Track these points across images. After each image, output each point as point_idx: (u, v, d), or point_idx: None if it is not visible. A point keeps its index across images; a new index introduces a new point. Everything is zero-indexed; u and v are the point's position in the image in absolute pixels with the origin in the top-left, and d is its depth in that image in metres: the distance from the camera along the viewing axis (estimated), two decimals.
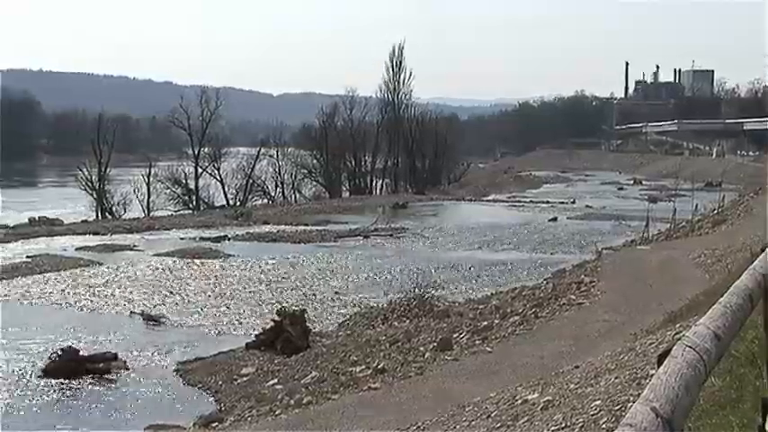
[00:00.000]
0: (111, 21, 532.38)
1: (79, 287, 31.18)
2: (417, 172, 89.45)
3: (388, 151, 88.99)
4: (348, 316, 25.40)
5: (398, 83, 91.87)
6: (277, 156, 79.05)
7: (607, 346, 12.66)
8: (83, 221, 56.45)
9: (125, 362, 20.52)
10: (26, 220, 54.71)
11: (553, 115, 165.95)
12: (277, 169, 78.87)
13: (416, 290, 25.40)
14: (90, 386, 19.12)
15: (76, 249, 41.45)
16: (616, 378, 9.13)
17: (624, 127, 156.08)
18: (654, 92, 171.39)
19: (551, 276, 26.38)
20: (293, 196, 78.95)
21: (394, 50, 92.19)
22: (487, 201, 74.62)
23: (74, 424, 16.74)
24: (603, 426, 7.18)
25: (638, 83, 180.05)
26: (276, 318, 21.80)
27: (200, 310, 27.41)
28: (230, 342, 22.55)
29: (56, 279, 32.84)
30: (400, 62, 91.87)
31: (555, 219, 55.09)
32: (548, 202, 68.90)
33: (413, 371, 14.81)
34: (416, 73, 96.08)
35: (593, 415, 7.68)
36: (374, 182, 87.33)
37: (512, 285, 27.26)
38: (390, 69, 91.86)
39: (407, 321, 21.53)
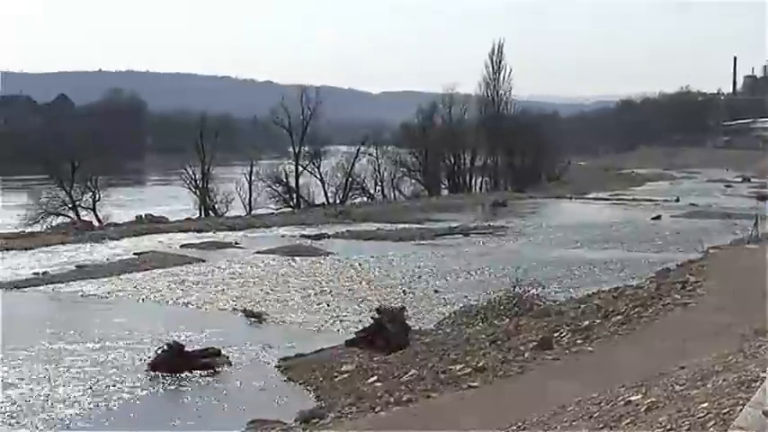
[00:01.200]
0: (213, 23, 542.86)
1: (183, 284, 31.88)
2: (517, 170, 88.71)
3: (487, 149, 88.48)
4: (447, 314, 25.33)
5: (498, 80, 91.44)
6: (377, 154, 79.37)
7: (714, 348, 12.34)
8: (187, 219, 57.66)
9: (228, 357, 20.88)
10: (134, 218, 56.29)
11: (657, 112, 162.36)
12: (376, 167, 79.18)
13: (516, 288, 25.20)
14: (194, 381, 19.51)
15: (181, 247, 42.39)
16: (724, 380, 8.89)
17: (732, 123, 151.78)
18: (764, 87, 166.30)
19: (655, 276, 25.82)
20: (392, 194, 79.15)
21: (494, 48, 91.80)
22: (589, 199, 73.51)
23: (179, 417, 17.11)
24: (711, 429, 6.99)
25: (746, 78, 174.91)
26: (376, 315, 21.88)
27: (300, 307, 27.72)
28: (330, 339, 22.73)
29: (161, 276, 33.62)
30: (500, 60, 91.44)
31: (658, 217, 53.98)
32: (651, 200, 67.56)
33: (513, 370, 14.69)
34: (516, 71, 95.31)
35: (699, 418, 7.48)
36: (473, 180, 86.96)
37: (614, 284, 26.79)
38: (490, 67, 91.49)
39: (507, 320, 21.36)
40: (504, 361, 15.64)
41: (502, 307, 23.65)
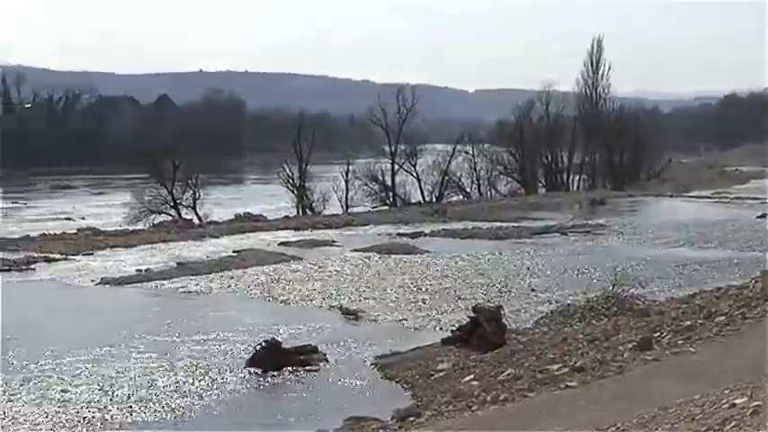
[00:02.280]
0: (310, 23, 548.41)
1: (281, 281, 32.27)
2: (615, 167, 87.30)
3: (585, 147, 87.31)
4: (544, 313, 25.05)
5: (597, 77, 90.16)
6: (473, 152, 79.05)
7: None
8: (284, 218, 58.38)
9: (324, 354, 21.04)
10: (233, 216, 57.27)
11: (763, 108, 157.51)
12: (473, 166, 78.89)
13: (614, 288, 24.77)
14: (291, 377, 19.72)
15: (279, 245, 42.93)
16: None
17: None
18: None
19: (760, 275, 25.06)
20: (489, 193, 78.75)
21: (593, 45, 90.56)
22: (690, 197, 71.88)
23: (277, 414, 17.33)
24: None
25: None
26: (472, 314, 21.78)
27: (396, 305, 27.77)
28: (426, 337, 22.71)
29: (259, 273, 34.10)
30: (599, 56, 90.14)
31: (764, 215, 52.44)
32: (756, 198, 65.63)
33: (612, 370, 14.44)
34: (615, 67, 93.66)
35: None
36: (571, 178, 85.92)
37: (716, 284, 26.10)
38: (589, 64, 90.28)
39: (605, 320, 21.01)
40: (602, 361, 15.39)
41: (600, 306, 23.25)
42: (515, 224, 50.72)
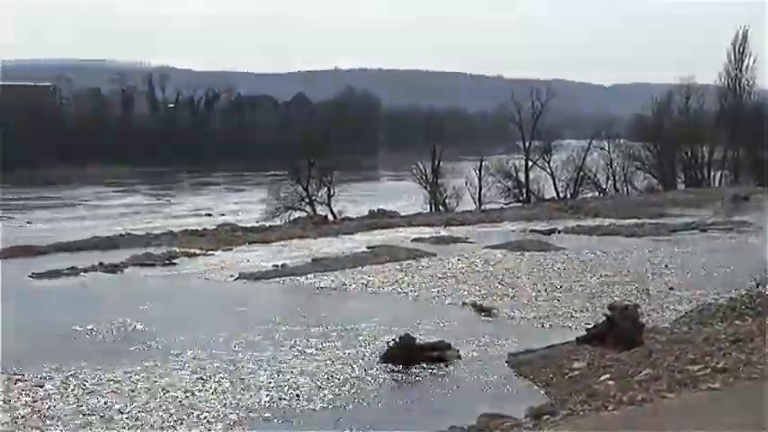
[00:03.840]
0: (443, 20, 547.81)
1: (414, 277, 32.36)
2: (760, 162, 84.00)
3: (727, 141, 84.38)
4: (683, 312, 24.36)
5: (741, 70, 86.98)
6: (608, 148, 77.55)
7: None
8: (417, 214, 58.63)
9: (458, 351, 20.99)
10: (367, 213, 57.90)
11: None
12: (608, 161, 77.40)
13: (760, 287, 23.85)
14: (425, 373, 19.75)
15: (412, 241, 43.07)
16: None
17: None
18: None
19: None
20: (625, 189, 77.13)
21: (737, 36, 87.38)
22: None
23: (411, 409, 17.38)
24: None
25: None
26: (607, 312, 21.35)
27: (530, 302, 27.48)
28: (560, 335, 22.39)
29: (393, 269, 34.29)
30: (743, 48, 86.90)
31: None
32: None
33: (756, 372, 13.87)
34: (761, 60, 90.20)
35: None
36: (712, 174, 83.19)
37: None
38: (732, 56, 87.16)
39: (750, 320, 20.24)
40: (746, 363, 14.80)
41: (743, 306, 22.45)
42: (653, 221, 49.43)
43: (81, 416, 16.52)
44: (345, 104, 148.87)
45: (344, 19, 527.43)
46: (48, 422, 16.25)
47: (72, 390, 18.26)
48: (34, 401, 17.39)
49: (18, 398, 17.67)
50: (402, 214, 57.24)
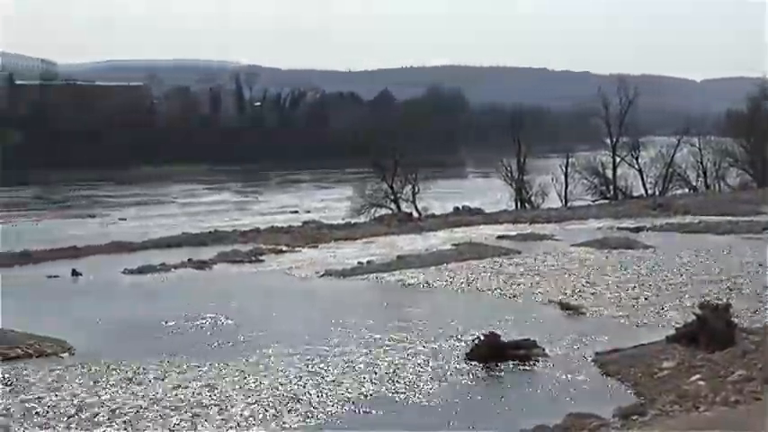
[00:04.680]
0: (529, 16, 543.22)
1: (499, 275, 32.14)
2: None
3: None
4: None
5: None
6: (699, 144, 75.88)
7: None
8: (503, 211, 58.28)
9: (544, 349, 20.78)
10: (452, 210, 57.78)
11: None
12: (699, 158, 75.74)
13: None
14: (510, 371, 19.60)
15: (497, 238, 42.81)
16: None
17: None
18: None
19: None
20: (716, 186, 75.35)
21: None
22: None
23: (496, 407, 17.27)
24: None
25: None
26: (698, 311, 20.88)
27: (617, 300, 27.04)
28: (649, 334, 21.98)
29: (478, 266, 34.10)
30: None
31: None
32: None
33: None
34: None
35: None
36: None
37: None
38: None
39: None
40: None
41: None
42: (746, 218, 48.15)
43: (173, 409, 16.79)
44: (430, 102, 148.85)
45: (430, 16, 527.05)
46: (145, 413, 16.54)
47: (168, 383, 18.55)
48: (132, 394, 17.71)
49: (116, 390, 18.01)
50: (487, 211, 56.97)
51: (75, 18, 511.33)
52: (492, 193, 68.56)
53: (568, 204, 65.00)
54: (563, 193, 68.28)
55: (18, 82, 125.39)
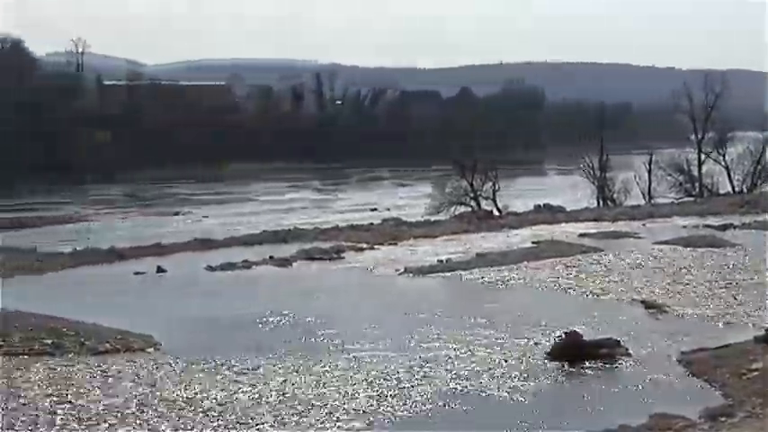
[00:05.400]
0: (609, 10, 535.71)
1: (581, 273, 31.78)
2: None
3: None
4: None
5: None
6: None
7: None
8: (584, 209, 57.56)
9: (627, 349, 20.49)
10: (532, 208, 57.29)
11: None
12: None
13: None
14: (592, 370, 19.37)
15: (578, 236, 42.34)
16: None
17: None
18: None
19: None
20: None
21: None
22: None
23: (576, 406, 17.08)
24: None
25: None
26: None
27: (703, 299, 26.53)
28: (736, 334, 21.54)
29: (558, 264, 33.76)
30: None
31: None
32: None
33: None
34: None
35: None
36: None
37: None
38: None
39: None
40: None
41: None
42: None
43: (279, 402, 16.95)
44: (510, 99, 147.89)
45: (511, 14, 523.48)
46: (255, 408, 16.61)
47: (260, 378, 18.72)
48: (221, 389, 17.91)
49: (208, 386, 18.15)
50: (568, 209, 56.35)
51: (161, 19, 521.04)
52: (573, 190, 67.77)
53: (652, 202, 63.92)
54: (646, 191, 67.15)
55: (106, 83, 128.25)
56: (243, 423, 15.76)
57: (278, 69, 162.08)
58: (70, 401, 16.74)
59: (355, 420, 15.99)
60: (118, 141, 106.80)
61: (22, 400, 16.75)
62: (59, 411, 16.12)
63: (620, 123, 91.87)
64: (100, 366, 19.60)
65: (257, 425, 15.68)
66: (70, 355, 20.67)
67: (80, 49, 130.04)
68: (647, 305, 25.95)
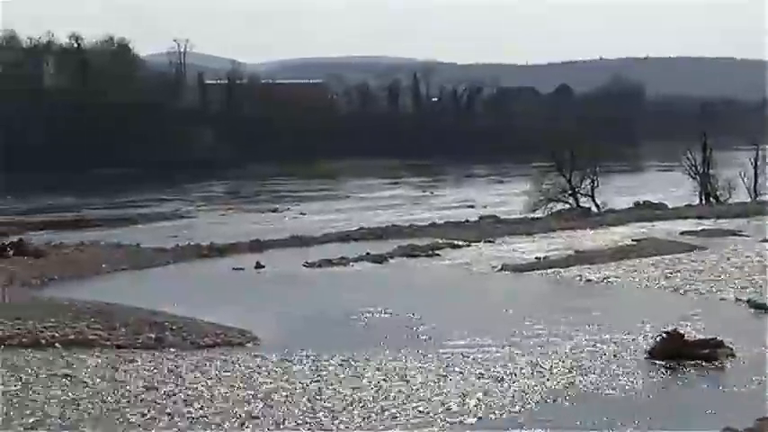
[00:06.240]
0: (713, 3, 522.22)
1: (682, 272, 31.13)
2: None
3: None
4: None
5: None
6: None
7: None
8: (686, 206, 56.37)
9: (731, 349, 19.95)
10: (632, 205, 56.32)
11: None
12: None
13: None
14: (694, 371, 18.93)
15: (680, 234, 41.48)
16: None
17: None
18: None
19: None
20: None
21: None
22: None
23: (678, 408, 16.72)
24: None
25: None
26: None
27: None
28: None
29: (659, 262, 33.12)
30: None
31: None
32: None
33: None
34: None
35: None
36: None
37: None
38: None
39: None
40: None
41: None
42: None
43: (359, 400, 17.02)
44: (610, 94, 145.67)
45: (610, 7, 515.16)
46: (369, 404, 16.61)
47: (369, 373, 18.71)
48: (317, 385, 17.99)
49: (304, 382, 18.16)
50: (670, 206, 55.21)
51: (260, 17, 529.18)
52: (676, 187, 66.32)
53: (758, 199, 62.10)
54: (752, 188, 65.27)
55: (207, 81, 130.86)
56: (335, 419, 15.70)
57: (374, 67, 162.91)
58: (174, 394, 16.99)
59: (459, 417, 15.85)
60: (219, 139, 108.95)
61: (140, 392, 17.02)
62: (150, 399, 16.41)
63: (724, 118, 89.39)
64: (202, 360, 19.94)
65: (348, 421, 15.61)
66: (172, 349, 21.11)
67: (182, 49, 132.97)
68: (753, 305, 25.26)
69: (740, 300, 26.09)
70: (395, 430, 15.23)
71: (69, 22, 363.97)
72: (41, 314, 23.31)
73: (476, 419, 15.85)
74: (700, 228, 43.44)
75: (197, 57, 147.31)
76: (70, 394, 16.64)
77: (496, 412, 16.20)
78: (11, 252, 35.46)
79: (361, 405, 16.54)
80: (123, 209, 65.70)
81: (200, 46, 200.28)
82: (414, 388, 17.65)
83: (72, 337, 21.56)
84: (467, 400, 16.87)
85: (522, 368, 19.06)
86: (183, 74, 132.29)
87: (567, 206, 57.09)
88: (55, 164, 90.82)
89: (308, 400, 16.77)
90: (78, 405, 16.01)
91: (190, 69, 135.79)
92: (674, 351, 19.55)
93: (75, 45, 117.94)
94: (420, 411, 16.15)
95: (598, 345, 21.10)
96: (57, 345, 20.84)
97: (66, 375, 17.88)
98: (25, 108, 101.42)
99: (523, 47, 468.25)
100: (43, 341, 21.06)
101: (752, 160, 66.32)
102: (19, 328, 21.78)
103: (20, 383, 17.20)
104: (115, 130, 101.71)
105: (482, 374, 18.63)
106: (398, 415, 16.00)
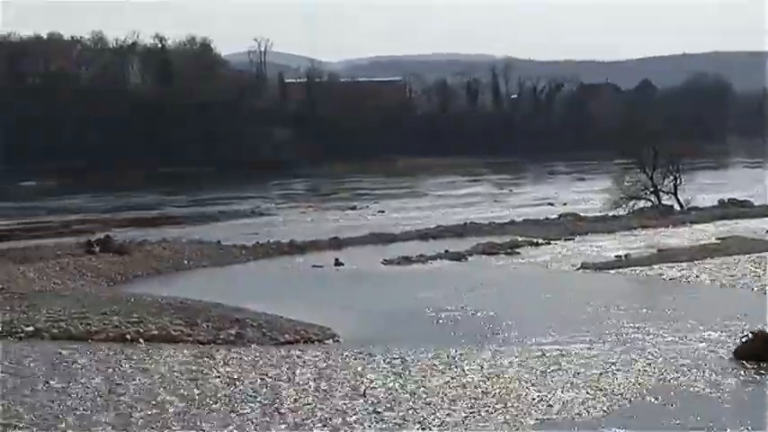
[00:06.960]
0: None
1: None
2: None
3: None
4: None
5: None
6: None
7: None
8: None
9: None
10: (716, 202, 55.20)
11: None
12: None
13: None
14: None
15: (766, 232, 40.52)
16: None
17: None
18: None
19: None
20: None
21: None
22: None
23: (764, 409, 16.32)
24: None
25: None
26: None
27: None
28: None
29: (744, 261, 32.43)
30: None
31: None
32: None
33: None
34: None
35: None
36: None
37: None
38: None
39: None
40: None
41: None
42: None
43: (442, 395, 16.92)
44: (693, 90, 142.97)
45: (693, 3, 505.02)
46: (460, 401, 16.36)
47: (449, 370, 18.45)
48: (395, 381, 17.91)
49: (383, 379, 17.98)
50: (757, 204, 53.96)
51: (340, 17, 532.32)
52: (760, 184, 64.78)
53: None
54: None
55: (287, 80, 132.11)
56: (409, 419, 15.40)
57: (452, 65, 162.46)
58: (255, 391, 17.05)
59: (545, 414, 15.59)
60: (299, 138, 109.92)
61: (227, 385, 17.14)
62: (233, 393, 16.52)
63: None
64: (283, 356, 20.02)
65: (428, 420, 15.33)
66: (253, 346, 21.33)
67: (263, 48, 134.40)
68: None
69: None
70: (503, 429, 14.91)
71: (153, 24, 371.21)
72: (126, 310, 23.84)
73: (565, 416, 15.48)
74: None
75: (276, 55, 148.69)
76: (155, 390, 16.81)
77: (597, 407, 15.82)
78: (97, 248, 36.35)
79: (462, 401, 16.20)
80: (204, 206, 66.78)
81: (279, 44, 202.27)
82: (512, 386, 17.11)
83: (155, 332, 21.98)
84: (566, 396, 16.50)
85: (608, 364, 18.70)
86: (263, 73, 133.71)
87: (649, 204, 56.18)
88: (136, 163, 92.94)
89: (383, 398, 16.46)
90: (161, 400, 16.16)
91: (269, 68, 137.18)
92: (761, 351, 19.08)
93: (159, 45, 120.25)
94: (502, 406, 15.87)
95: (683, 343, 20.72)
96: (140, 340, 21.25)
97: (145, 370, 18.11)
98: (110, 108, 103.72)
99: (604, 43, 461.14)
100: (128, 336, 21.50)
101: None
102: (105, 324, 22.30)
103: (103, 377, 17.48)
104: (196, 129, 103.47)
105: (578, 373, 18.20)
106: (502, 411, 15.56)
